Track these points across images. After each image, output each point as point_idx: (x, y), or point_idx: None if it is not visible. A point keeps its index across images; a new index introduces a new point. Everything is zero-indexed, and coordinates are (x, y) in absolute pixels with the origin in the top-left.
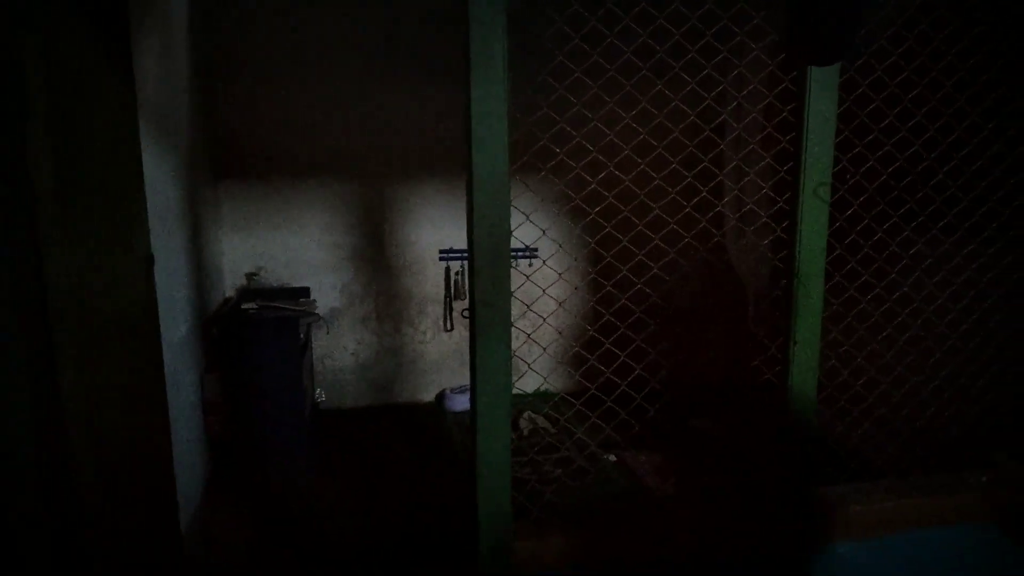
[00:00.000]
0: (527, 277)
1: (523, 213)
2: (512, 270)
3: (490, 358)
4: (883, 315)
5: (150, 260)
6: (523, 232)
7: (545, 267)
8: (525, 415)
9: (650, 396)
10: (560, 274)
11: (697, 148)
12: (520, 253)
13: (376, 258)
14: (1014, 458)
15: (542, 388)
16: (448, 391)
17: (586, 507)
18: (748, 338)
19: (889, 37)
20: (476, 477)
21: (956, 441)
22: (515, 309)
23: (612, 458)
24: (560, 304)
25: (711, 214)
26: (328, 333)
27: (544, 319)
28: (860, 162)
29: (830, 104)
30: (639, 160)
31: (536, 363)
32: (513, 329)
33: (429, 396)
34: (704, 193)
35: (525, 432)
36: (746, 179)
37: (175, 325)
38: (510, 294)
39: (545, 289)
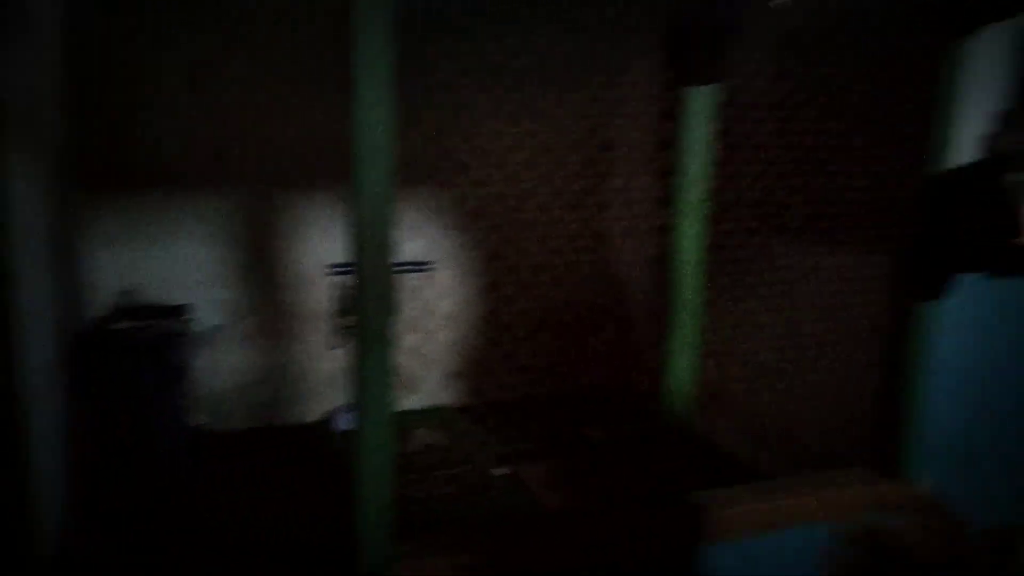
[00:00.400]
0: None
1: (413, 224)
2: (405, 283)
3: (372, 375)
4: (757, 325)
5: (5, 278)
6: (417, 245)
7: (440, 280)
8: (418, 431)
9: (545, 406)
10: (454, 287)
11: (589, 163)
12: (411, 266)
13: (262, 272)
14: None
15: (436, 403)
16: (337, 409)
17: (474, 524)
18: (636, 346)
19: (762, 62)
20: (357, 497)
21: (830, 441)
22: (407, 323)
23: (504, 472)
24: (454, 317)
25: (600, 226)
26: (209, 352)
27: (442, 328)
28: (737, 178)
29: (707, 123)
30: (529, 174)
31: (430, 377)
32: (406, 343)
33: (317, 415)
34: (594, 206)
35: (416, 449)
36: (632, 193)
37: (39, 348)
38: (393, 310)
39: (437, 302)
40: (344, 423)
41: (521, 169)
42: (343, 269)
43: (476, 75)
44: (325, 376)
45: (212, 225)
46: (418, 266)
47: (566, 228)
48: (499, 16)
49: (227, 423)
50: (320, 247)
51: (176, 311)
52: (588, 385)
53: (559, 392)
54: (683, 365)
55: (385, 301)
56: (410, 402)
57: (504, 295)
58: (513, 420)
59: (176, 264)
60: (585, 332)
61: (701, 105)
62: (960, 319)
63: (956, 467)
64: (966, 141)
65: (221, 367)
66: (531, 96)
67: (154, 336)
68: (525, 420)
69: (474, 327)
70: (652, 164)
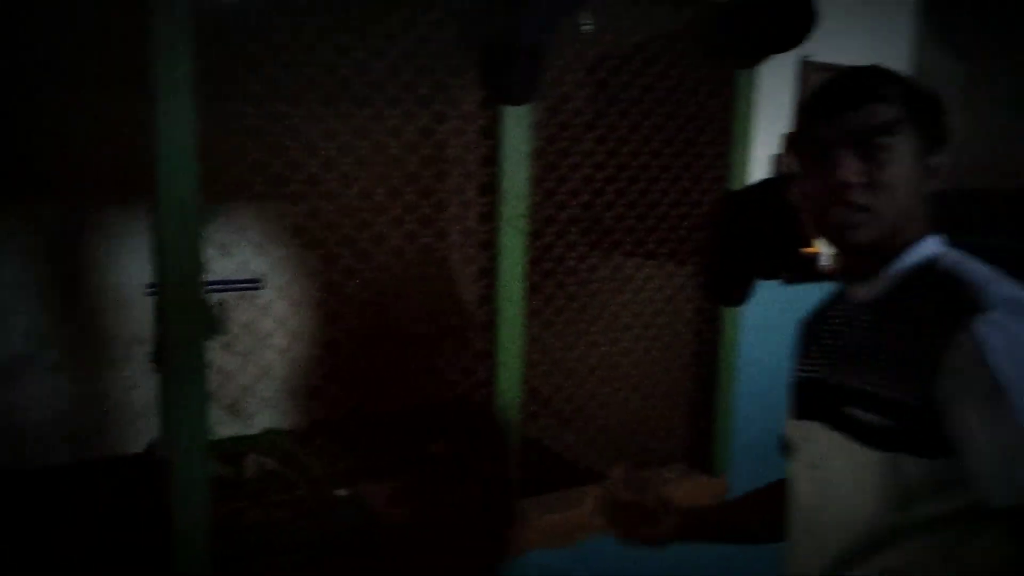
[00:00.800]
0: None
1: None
2: (238, 302)
3: (183, 404)
4: (578, 334)
5: None
6: (248, 262)
7: (276, 298)
8: (251, 456)
9: (386, 424)
10: (290, 305)
11: (434, 178)
12: (241, 284)
13: (70, 295)
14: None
15: (270, 426)
16: (162, 438)
17: (310, 548)
18: (472, 359)
19: (577, 83)
20: (172, 535)
21: (653, 441)
22: (237, 343)
23: (344, 493)
24: (288, 336)
25: (438, 241)
26: (14, 384)
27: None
28: (555, 194)
29: (523, 140)
30: (373, 190)
31: (264, 400)
32: (235, 364)
33: (139, 446)
34: (436, 222)
35: (251, 475)
36: (467, 209)
37: None
38: (205, 333)
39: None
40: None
41: (367, 185)
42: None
43: (321, 90)
44: (147, 403)
45: (9, 244)
46: (248, 284)
47: (406, 243)
48: (345, 30)
49: (35, 460)
50: (138, 267)
51: None
52: (430, 400)
53: (400, 409)
54: (511, 376)
55: (196, 322)
56: (242, 426)
57: (341, 312)
58: (353, 439)
59: None
60: (423, 348)
61: (516, 123)
62: (760, 322)
63: (764, 462)
64: (760, 159)
65: (25, 400)
66: (379, 112)
67: None
68: (365, 439)
69: (309, 346)
70: (472, 181)
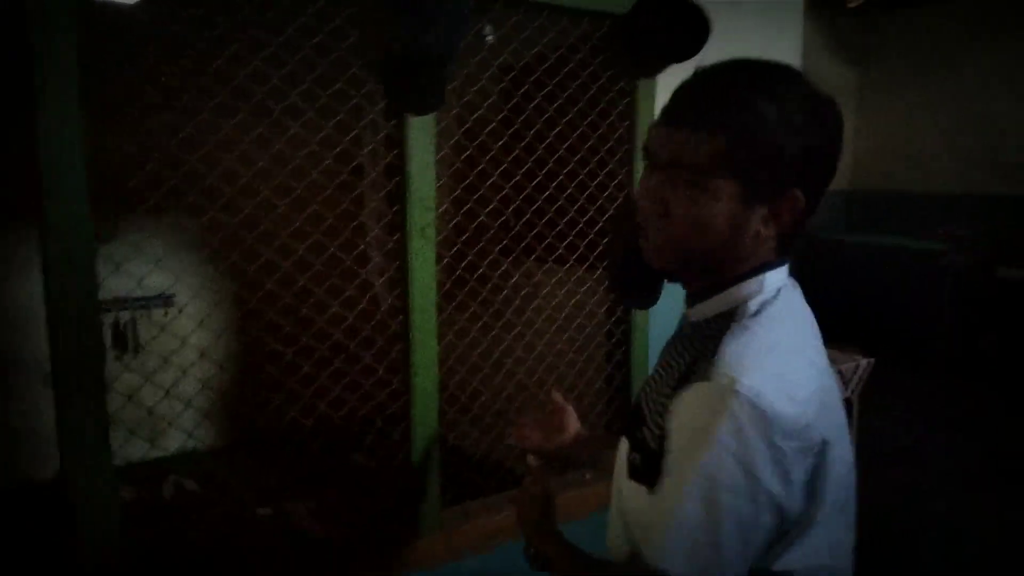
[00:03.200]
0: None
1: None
2: (146, 320)
3: (81, 427)
4: (493, 341)
5: None
6: (159, 278)
7: (187, 314)
8: (170, 478)
9: (309, 439)
10: (203, 321)
11: (339, 189)
12: (152, 300)
13: None
14: None
15: (189, 446)
16: None
17: (233, 568)
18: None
19: (480, 92)
20: (78, 563)
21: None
22: (151, 361)
23: (268, 511)
24: (204, 353)
25: (355, 252)
26: None
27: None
28: (464, 202)
29: (428, 150)
30: (278, 203)
31: (180, 419)
32: (149, 383)
33: (51, 472)
34: (348, 233)
35: (168, 497)
36: (381, 219)
37: None
38: (102, 354)
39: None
40: None
41: (273, 195)
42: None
43: (221, 98)
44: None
45: None
46: (159, 300)
47: (321, 254)
48: (241, 37)
49: None
50: (38, 285)
51: None
52: (353, 414)
53: (323, 424)
54: (427, 384)
55: (90, 341)
56: (158, 448)
57: (259, 326)
58: (276, 456)
59: None
60: (345, 359)
61: (420, 132)
62: (668, 322)
63: None
64: None
65: None
66: (281, 120)
67: None
68: (289, 455)
69: (228, 362)
70: (379, 191)
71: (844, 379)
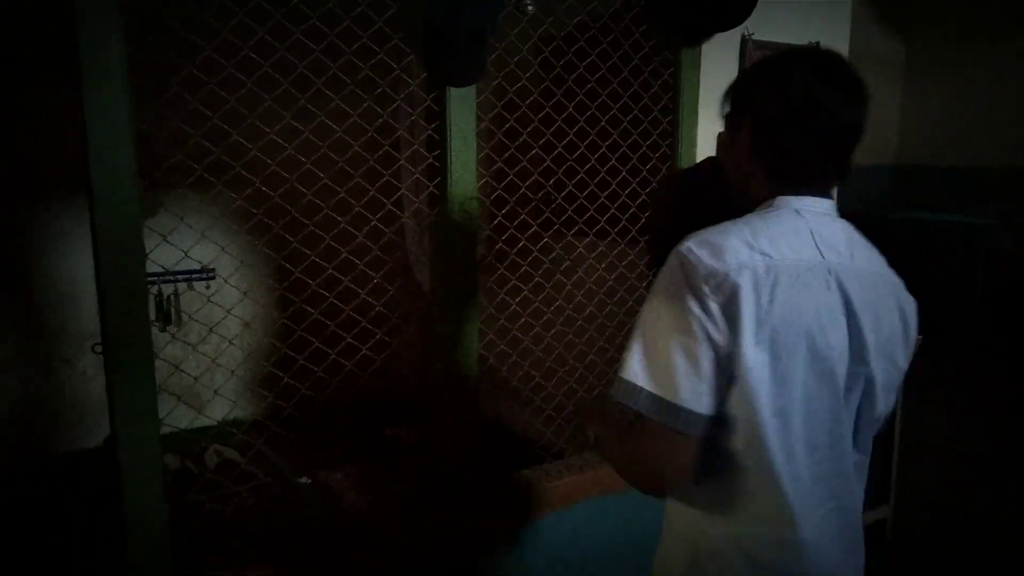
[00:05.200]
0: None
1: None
2: (190, 292)
3: (130, 401)
4: (532, 314)
5: None
6: (201, 251)
7: (228, 287)
8: (211, 448)
9: (348, 411)
10: (245, 294)
11: (378, 162)
12: (194, 274)
13: (10, 290)
14: None
15: (231, 416)
16: None
17: (272, 538)
18: (431, 343)
19: (521, 64)
20: (125, 530)
21: None
22: (193, 335)
23: (307, 480)
24: (246, 326)
25: (395, 226)
26: None
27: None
28: (504, 176)
29: (470, 122)
30: (321, 174)
31: (223, 391)
32: (193, 356)
33: (97, 440)
34: (388, 205)
35: (211, 466)
36: (419, 192)
37: None
38: (149, 325)
39: (230, 310)
40: None
41: (314, 169)
42: None
43: (262, 71)
44: (103, 396)
45: None
46: (202, 274)
47: (361, 229)
48: (281, 9)
49: None
50: (86, 260)
51: None
52: (391, 386)
53: (362, 395)
54: (467, 357)
55: (138, 313)
56: (201, 418)
57: (300, 299)
58: (316, 428)
59: None
60: (385, 333)
61: (461, 105)
62: None
63: None
64: (706, 138)
65: None
66: (321, 95)
67: None
68: (328, 427)
69: (269, 335)
70: (419, 164)
71: None
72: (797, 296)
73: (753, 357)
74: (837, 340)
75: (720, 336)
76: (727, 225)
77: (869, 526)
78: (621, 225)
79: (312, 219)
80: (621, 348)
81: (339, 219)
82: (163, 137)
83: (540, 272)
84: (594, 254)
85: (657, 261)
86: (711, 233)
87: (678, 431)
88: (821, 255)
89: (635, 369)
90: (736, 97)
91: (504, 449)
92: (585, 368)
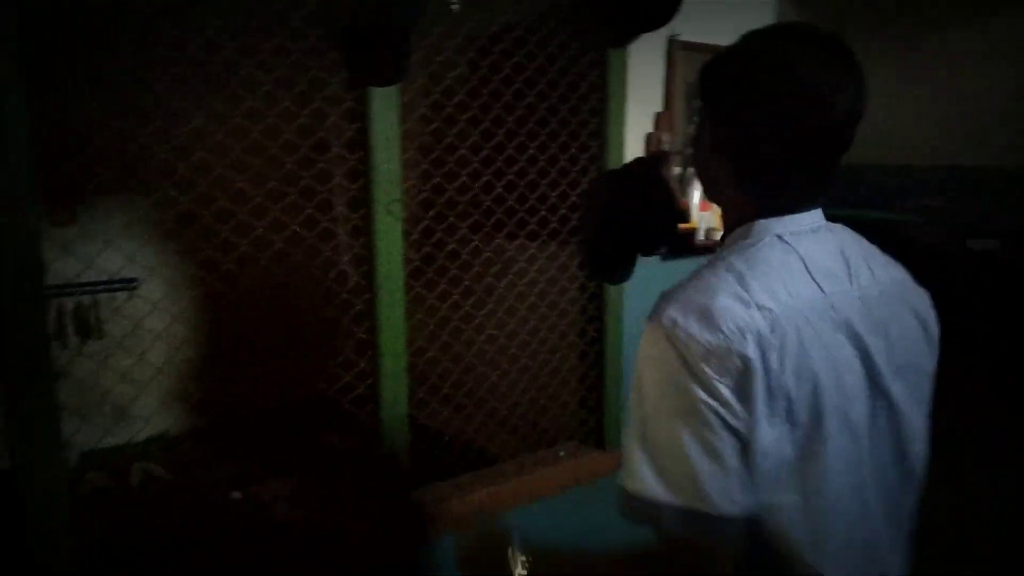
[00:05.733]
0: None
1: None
2: (104, 303)
3: (29, 414)
4: (463, 319)
5: None
6: (117, 259)
7: (149, 296)
8: (135, 465)
9: (280, 421)
10: (166, 304)
11: (302, 165)
12: (110, 284)
13: None
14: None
15: (156, 431)
16: None
17: (205, 554)
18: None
19: (446, 63)
20: (28, 554)
21: (546, 420)
22: (112, 346)
23: (239, 495)
24: (168, 336)
25: (316, 230)
26: None
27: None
28: (432, 177)
29: (393, 123)
30: (241, 178)
31: (145, 403)
32: (112, 368)
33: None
34: (310, 209)
35: (137, 483)
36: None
37: None
38: (47, 338)
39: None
40: None
41: (234, 173)
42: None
43: (174, 70)
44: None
45: None
46: (120, 283)
47: (286, 233)
48: (194, 6)
49: None
50: None
51: None
52: (323, 394)
53: (294, 405)
54: (395, 365)
55: (36, 326)
56: (123, 433)
57: (224, 307)
58: (247, 439)
59: None
60: (313, 338)
61: (384, 105)
62: (642, 297)
63: None
64: (634, 138)
65: None
66: (237, 94)
67: None
68: (260, 437)
69: (193, 345)
70: (341, 166)
71: None
72: (807, 351)
73: (769, 435)
74: (852, 382)
75: (739, 421)
76: (706, 274)
77: None
78: (552, 226)
79: (229, 225)
80: (553, 351)
81: (256, 224)
82: (68, 140)
83: (470, 276)
84: (525, 256)
85: (589, 262)
86: (692, 291)
87: (717, 543)
88: (821, 289)
89: (648, 481)
90: (702, 84)
91: (438, 455)
92: (518, 371)
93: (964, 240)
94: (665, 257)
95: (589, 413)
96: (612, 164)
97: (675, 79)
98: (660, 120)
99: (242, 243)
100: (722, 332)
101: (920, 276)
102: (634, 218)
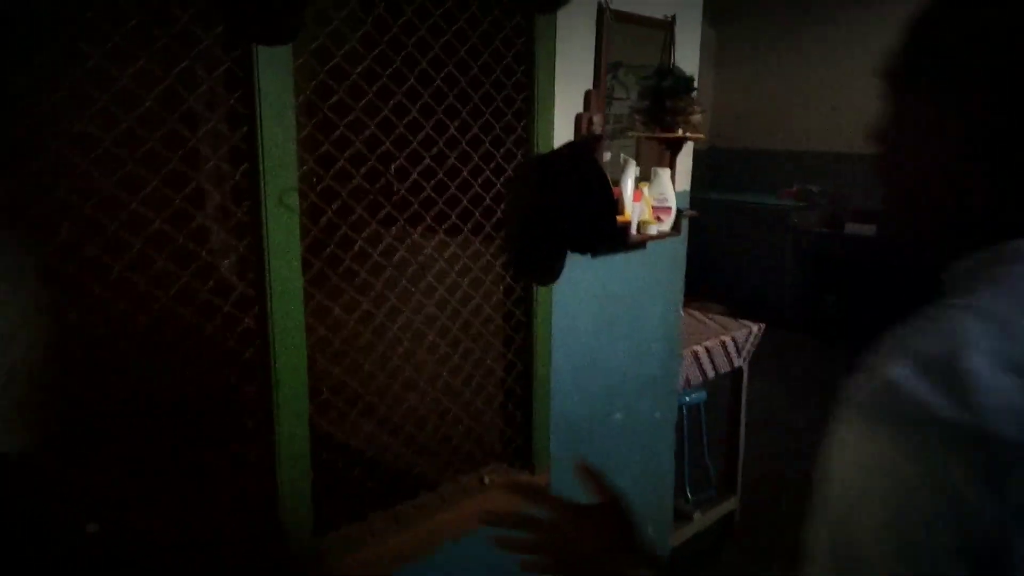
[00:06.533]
0: None
1: None
2: None
3: None
4: (374, 332)
5: None
6: None
7: None
8: None
9: (151, 430)
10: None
11: (168, 144)
12: None
13: None
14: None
15: None
16: None
17: None
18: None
19: (348, 20)
20: None
21: (469, 437)
22: None
23: (94, 527)
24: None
25: (188, 228)
26: None
27: None
28: (331, 162)
29: (286, 93)
30: (89, 155)
31: None
32: None
33: None
34: (179, 200)
35: None
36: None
37: None
38: None
39: None
40: None
41: (77, 151)
42: None
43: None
44: None
45: None
46: None
47: (151, 221)
48: None
49: None
50: None
51: None
52: (199, 398)
53: (166, 409)
54: (294, 392)
55: None
56: None
57: (84, 303)
58: (108, 454)
59: None
60: (189, 339)
61: (272, 68)
62: (571, 298)
63: (587, 449)
64: (562, 118)
65: None
66: (76, 46)
67: None
68: (124, 452)
69: (44, 347)
70: (219, 147)
71: (738, 347)
72: None
73: None
74: None
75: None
76: (942, 316)
77: (717, 522)
78: (474, 220)
79: (74, 217)
80: (478, 364)
81: (105, 222)
82: None
83: (381, 281)
84: (446, 255)
85: (515, 261)
86: (921, 338)
87: None
88: None
89: None
90: (927, 46)
91: (348, 493)
92: (438, 390)
93: (841, 225)
94: (596, 253)
95: (517, 431)
96: (541, 149)
97: (604, 53)
98: (591, 98)
99: (87, 246)
100: (973, 408)
101: (797, 261)
102: (567, 211)
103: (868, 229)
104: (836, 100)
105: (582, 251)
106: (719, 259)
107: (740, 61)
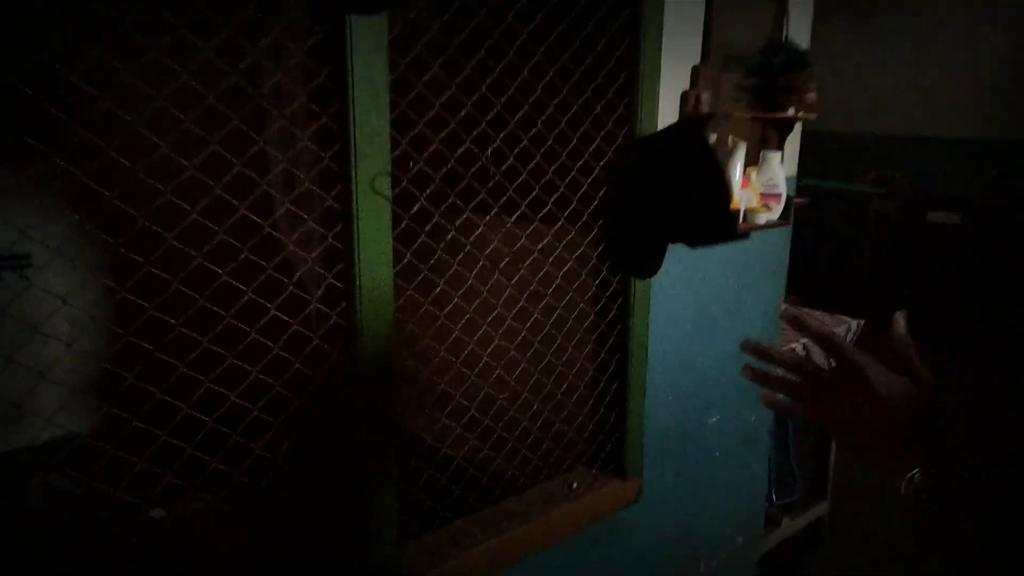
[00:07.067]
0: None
1: None
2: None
3: None
4: (463, 313)
5: None
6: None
7: (51, 278)
8: (36, 478)
9: (210, 421)
10: (73, 287)
11: (250, 122)
12: None
13: None
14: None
15: (61, 433)
16: None
17: None
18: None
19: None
20: None
21: (556, 439)
22: (9, 334)
23: (159, 513)
24: (77, 324)
25: (267, 204)
26: None
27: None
28: (422, 145)
29: (381, 69)
30: (168, 139)
31: (48, 402)
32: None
33: None
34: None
35: (39, 499)
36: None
37: None
38: None
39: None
40: None
41: (153, 133)
42: None
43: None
44: None
45: None
46: (10, 261)
47: (223, 206)
48: None
49: None
50: None
51: None
52: (263, 391)
53: (225, 403)
54: (379, 363)
55: None
56: (23, 436)
57: (143, 292)
58: (171, 444)
59: None
60: (261, 330)
61: (368, 42)
62: (673, 296)
63: (682, 456)
64: (667, 97)
65: None
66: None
67: None
68: (186, 442)
69: (106, 334)
70: (309, 127)
71: None
72: None
73: None
74: None
75: None
76: None
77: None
78: (571, 207)
79: (152, 202)
80: (571, 363)
81: (187, 208)
82: None
83: (473, 273)
84: (539, 245)
85: (615, 253)
86: None
87: None
88: None
89: None
90: None
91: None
92: (529, 389)
93: (924, 213)
94: (706, 244)
95: (608, 434)
96: (645, 129)
97: (714, 25)
98: (698, 75)
99: (167, 234)
100: None
101: (874, 250)
102: (674, 198)
103: (952, 217)
104: (921, 80)
105: (690, 242)
106: (794, 248)
107: (831, 42)
